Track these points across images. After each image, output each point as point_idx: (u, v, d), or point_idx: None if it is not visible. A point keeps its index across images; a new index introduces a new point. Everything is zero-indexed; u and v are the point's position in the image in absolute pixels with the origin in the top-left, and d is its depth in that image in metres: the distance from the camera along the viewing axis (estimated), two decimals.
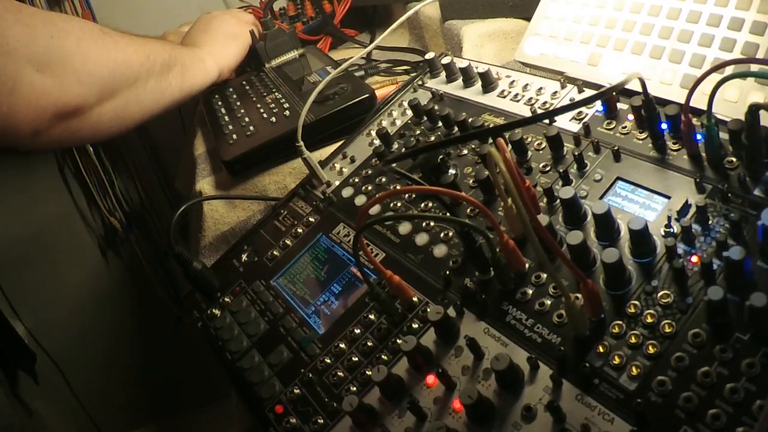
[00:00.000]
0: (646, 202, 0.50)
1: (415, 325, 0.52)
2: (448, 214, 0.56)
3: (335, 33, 1.24)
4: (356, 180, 0.71)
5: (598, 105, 0.59)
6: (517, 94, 0.67)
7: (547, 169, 0.57)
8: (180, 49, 0.95)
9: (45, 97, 0.72)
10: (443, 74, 0.76)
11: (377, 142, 0.72)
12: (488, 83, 0.70)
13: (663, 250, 0.45)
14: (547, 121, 0.60)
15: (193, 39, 1.03)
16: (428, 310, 0.49)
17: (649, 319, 0.42)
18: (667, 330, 0.41)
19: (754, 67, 0.51)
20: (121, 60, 0.81)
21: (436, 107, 0.71)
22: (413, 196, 0.63)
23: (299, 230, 0.70)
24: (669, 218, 0.47)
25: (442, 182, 0.59)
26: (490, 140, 0.61)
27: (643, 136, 0.54)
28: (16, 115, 0.70)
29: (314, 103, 0.82)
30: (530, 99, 0.65)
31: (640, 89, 0.51)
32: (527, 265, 0.50)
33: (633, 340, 0.42)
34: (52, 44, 0.73)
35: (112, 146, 1.51)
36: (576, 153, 0.54)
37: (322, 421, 0.51)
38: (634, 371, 0.40)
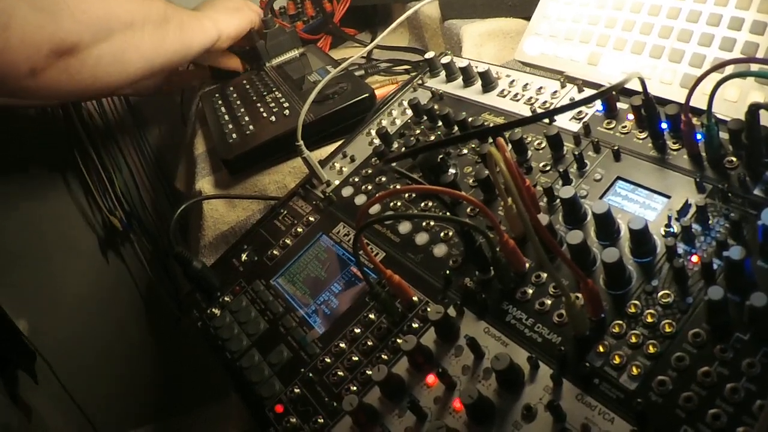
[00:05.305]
0: (646, 202, 0.50)
1: (415, 325, 0.52)
2: (448, 213, 0.56)
3: (335, 32, 1.24)
4: (356, 179, 0.71)
5: (598, 104, 0.59)
6: (516, 94, 0.67)
7: (547, 168, 0.57)
8: (179, 9, 0.96)
9: (40, 33, 0.72)
10: (443, 74, 0.76)
11: (377, 141, 0.72)
12: (488, 83, 0.70)
13: (663, 249, 0.45)
14: (547, 120, 0.60)
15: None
16: (428, 309, 0.49)
17: (650, 319, 0.42)
18: (668, 330, 0.41)
19: (754, 67, 0.51)
20: (114, 1, 0.82)
21: (435, 107, 0.70)
22: (413, 195, 0.63)
23: (299, 229, 0.70)
24: (669, 218, 0.47)
25: (442, 182, 0.59)
26: (490, 140, 0.61)
27: (643, 135, 0.54)
28: (12, 51, 0.70)
29: (314, 103, 0.82)
30: (530, 98, 0.65)
31: (640, 89, 0.51)
32: (527, 265, 0.50)
33: (633, 339, 0.42)
34: None
35: (112, 145, 1.51)
36: (576, 152, 0.54)
37: (322, 420, 0.51)
38: (635, 371, 0.40)
